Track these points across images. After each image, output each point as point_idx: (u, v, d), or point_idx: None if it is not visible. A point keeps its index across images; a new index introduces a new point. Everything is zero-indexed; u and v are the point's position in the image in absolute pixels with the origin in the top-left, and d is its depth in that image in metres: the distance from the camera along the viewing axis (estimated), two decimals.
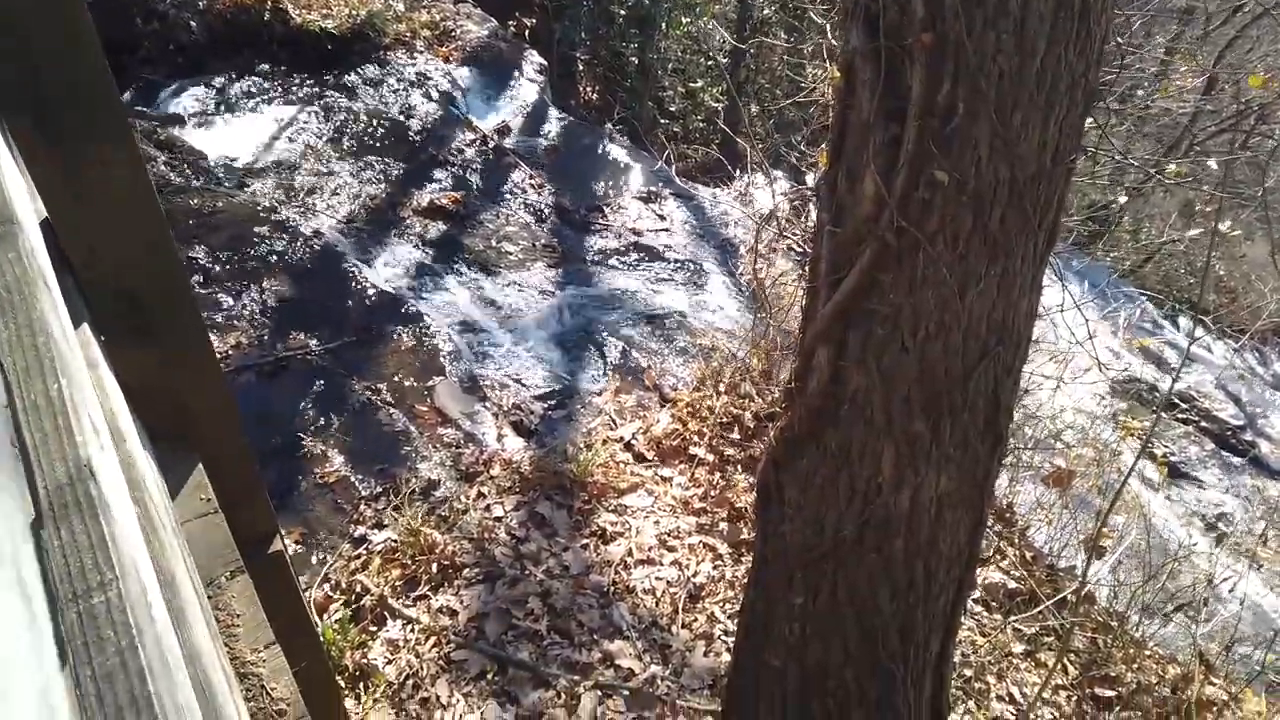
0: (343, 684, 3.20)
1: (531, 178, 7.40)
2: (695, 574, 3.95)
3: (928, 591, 2.11)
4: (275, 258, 5.34)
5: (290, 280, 5.22)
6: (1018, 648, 3.82)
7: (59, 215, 1.45)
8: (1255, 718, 3.43)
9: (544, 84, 8.83)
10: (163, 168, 5.74)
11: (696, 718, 3.29)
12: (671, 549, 4.08)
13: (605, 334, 5.66)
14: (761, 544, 2.34)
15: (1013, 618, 3.88)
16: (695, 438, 4.76)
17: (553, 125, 8.42)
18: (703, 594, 3.87)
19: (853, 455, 1.97)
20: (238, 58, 7.20)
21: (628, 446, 4.71)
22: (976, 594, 4.08)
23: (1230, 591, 4.43)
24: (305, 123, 6.83)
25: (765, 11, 11.16)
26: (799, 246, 6.00)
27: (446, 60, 8.20)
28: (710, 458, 4.67)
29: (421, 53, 8.15)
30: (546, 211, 7.09)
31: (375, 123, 7.11)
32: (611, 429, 4.83)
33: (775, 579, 2.27)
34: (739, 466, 4.66)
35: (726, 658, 3.45)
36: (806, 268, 2.44)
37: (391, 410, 4.58)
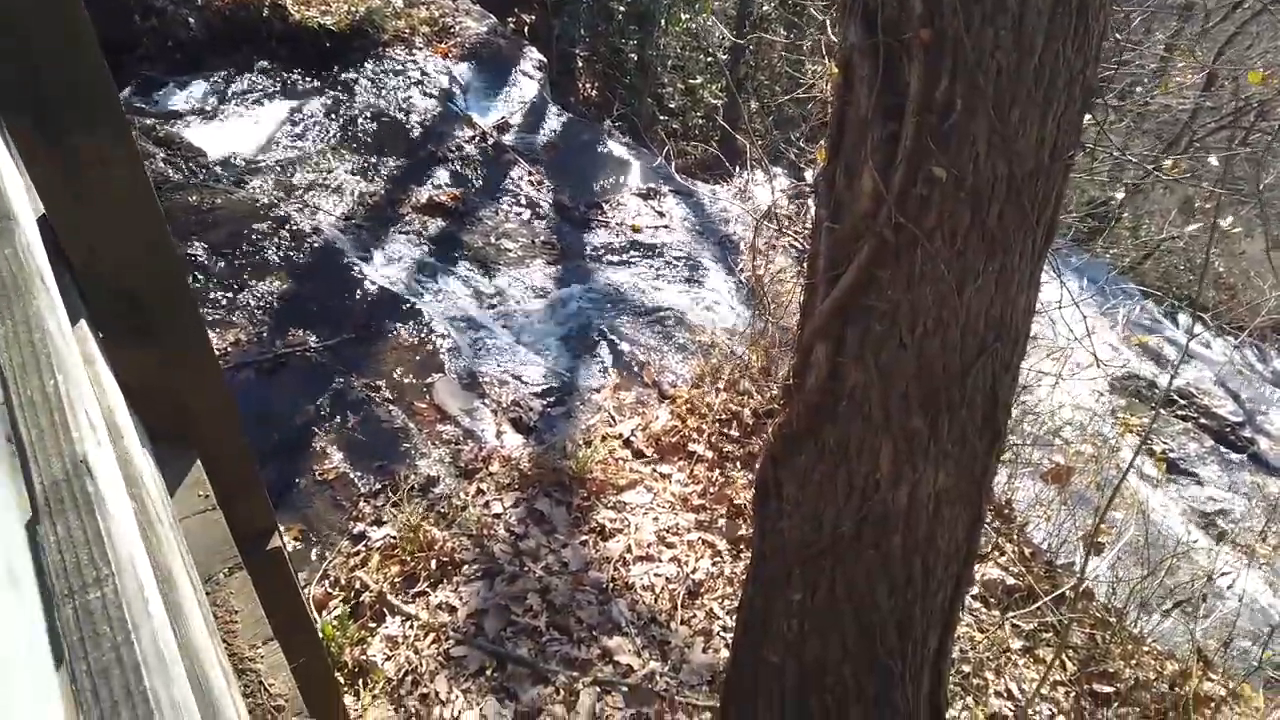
0: (342, 680, 3.21)
1: (531, 174, 7.40)
2: (694, 570, 3.95)
3: (926, 588, 2.11)
4: (274, 255, 5.33)
5: (289, 277, 5.22)
6: (1016, 644, 3.83)
7: (59, 214, 1.45)
8: (1253, 713, 3.44)
9: (543, 80, 8.81)
10: (162, 164, 5.73)
11: (695, 714, 3.29)
12: (670, 545, 4.08)
13: (604, 331, 5.66)
14: (760, 540, 2.35)
15: (1011, 614, 3.89)
16: (694, 434, 4.76)
17: (552, 122, 8.40)
18: (702, 590, 3.88)
19: (851, 451, 1.97)
20: (236, 54, 7.19)
21: (627, 443, 4.71)
22: (975, 590, 4.08)
23: (1229, 588, 4.44)
24: (304, 120, 6.82)
25: (765, 8, 11.15)
26: (798, 243, 6.00)
27: (445, 57, 8.19)
28: (709, 454, 4.67)
29: (420, 49, 8.14)
30: (546, 208, 7.09)
31: (374, 119, 7.10)
32: (610, 426, 4.83)
33: (774, 575, 2.27)
34: (738, 463, 4.66)
35: (725, 654, 3.45)
36: (805, 264, 2.44)
37: (391, 407, 4.58)
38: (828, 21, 4.95)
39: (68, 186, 1.43)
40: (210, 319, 4.71)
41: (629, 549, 4.01)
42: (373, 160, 6.70)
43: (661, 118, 11.45)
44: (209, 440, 1.83)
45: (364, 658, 3.31)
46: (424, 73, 7.84)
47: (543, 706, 3.22)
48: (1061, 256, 9.41)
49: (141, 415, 1.66)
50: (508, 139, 7.73)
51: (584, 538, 4.05)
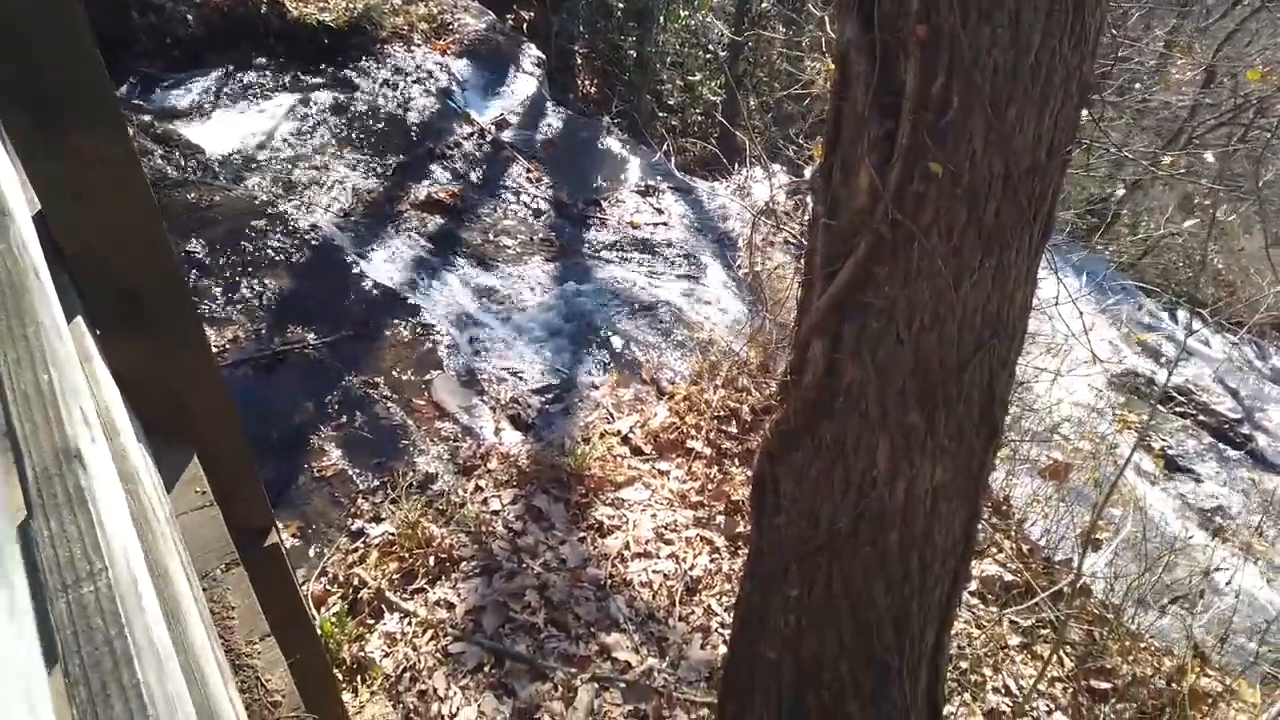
0: (340, 677, 3.21)
1: (529, 171, 7.40)
2: (692, 567, 3.96)
3: (923, 583, 2.11)
4: (272, 252, 5.33)
5: (287, 274, 5.22)
6: (1014, 640, 3.83)
7: (57, 212, 1.46)
8: (1250, 709, 3.45)
9: (542, 77, 8.81)
10: (159, 161, 5.73)
11: (693, 710, 3.30)
12: (669, 542, 4.09)
13: (603, 328, 5.66)
14: (757, 537, 2.35)
15: (1008, 610, 3.89)
16: (692, 431, 4.77)
17: (551, 119, 8.40)
18: (700, 587, 3.88)
19: (848, 448, 1.97)
20: (234, 51, 7.18)
21: (625, 440, 4.72)
22: (973, 587, 4.09)
23: (1226, 584, 4.44)
24: (302, 116, 6.82)
25: (764, 4, 11.13)
26: (797, 240, 6.00)
27: (444, 53, 8.19)
28: (707, 451, 4.68)
29: (419, 46, 8.14)
30: (544, 205, 7.09)
31: (372, 116, 7.10)
32: (609, 422, 4.84)
33: (771, 572, 2.27)
34: (736, 460, 4.67)
35: (723, 650, 3.45)
36: (802, 261, 2.44)
37: (389, 404, 4.58)
38: (826, 18, 4.95)
39: (68, 186, 1.43)
40: (209, 316, 4.71)
41: (627, 546, 4.01)
42: (371, 157, 6.70)
43: (660, 114, 11.44)
44: (206, 437, 1.83)
45: (362, 654, 3.32)
46: (422, 70, 7.84)
47: (541, 703, 3.23)
48: (1060, 253, 9.42)
49: (139, 412, 1.66)
50: (506, 136, 7.73)
51: (582, 534, 4.05)
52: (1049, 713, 3.51)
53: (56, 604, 0.69)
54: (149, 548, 1.19)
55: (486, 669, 3.34)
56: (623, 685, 3.37)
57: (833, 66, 1.89)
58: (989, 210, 1.70)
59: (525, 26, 9.43)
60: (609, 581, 3.82)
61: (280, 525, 3.72)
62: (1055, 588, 3.65)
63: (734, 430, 4.87)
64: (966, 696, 3.49)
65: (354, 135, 6.85)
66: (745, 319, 5.91)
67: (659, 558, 3.99)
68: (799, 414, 2.04)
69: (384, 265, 5.69)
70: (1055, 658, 3.68)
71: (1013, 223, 1.73)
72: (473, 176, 7.04)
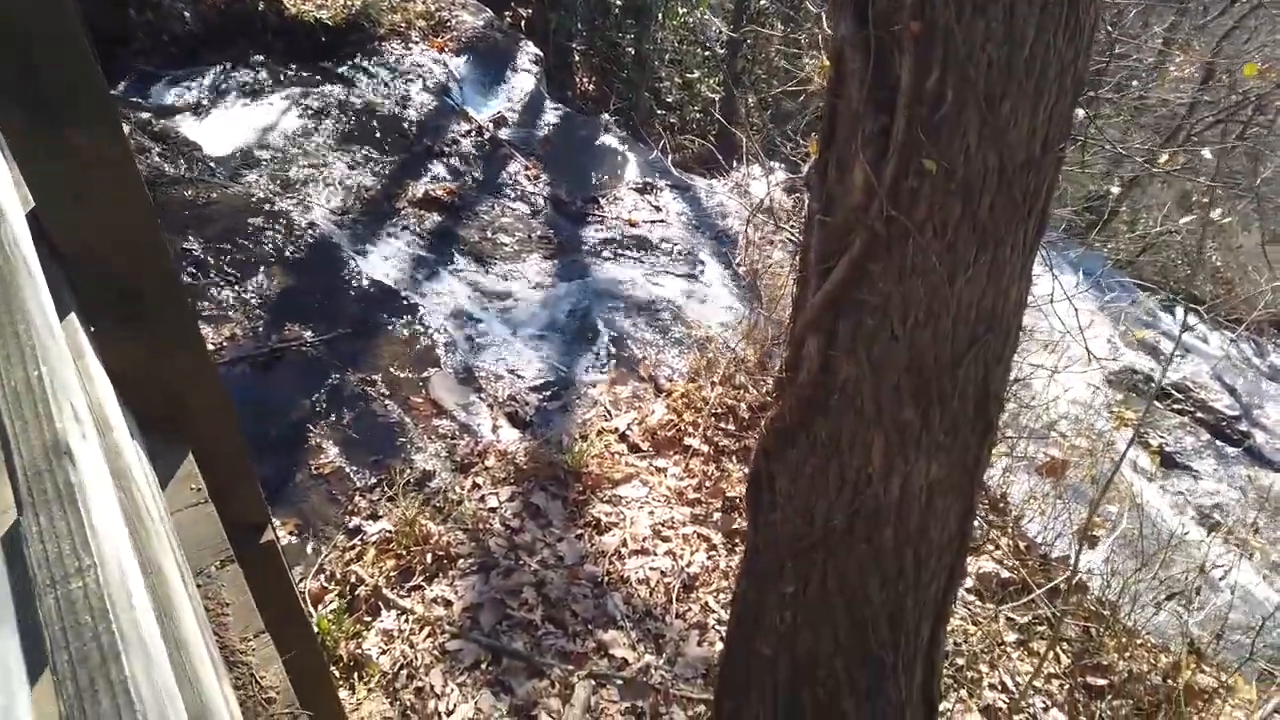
0: (337, 674, 3.21)
1: (527, 169, 7.39)
2: (689, 564, 3.96)
3: (918, 579, 2.11)
4: (270, 249, 5.33)
5: (285, 272, 5.21)
6: (1010, 637, 3.84)
7: (55, 211, 1.46)
8: (1246, 705, 3.45)
9: (540, 75, 8.80)
10: (157, 159, 5.72)
11: (690, 707, 3.30)
12: (666, 539, 4.09)
13: (601, 325, 5.66)
14: (753, 533, 2.35)
15: (1004, 606, 3.90)
16: (690, 429, 4.77)
17: (549, 116, 8.40)
18: (697, 584, 3.88)
19: (843, 444, 1.97)
20: (232, 48, 7.17)
21: (623, 437, 4.72)
22: (970, 583, 4.09)
23: (1221, 580, 4.45)
24: (300, 114, 6.81)
25: (762, 1, 11.12)
26: (795, 237, 6.00)
27: (442, 51, 8.18)
28: (705, 449, 4.68)
29: (416, 43, 8.13)
30: (542, 202, 7.09)
31: (370, 114, 7.09)
32: (606, 420, 4.84)
33: (766, 568, 2.28)
34: (733, 457, 4.67)
35: (720, 647, 3.46)
36: (798, 258, 2.45)
37: (386, 401, 4.58)
38: (823, 15, 4.95)
39: (68, 186, 1.43)
40: (206, 313, 4.71)
41: (624, 543, 4.02)
42: (369, 155, 6.69)
43: (659, 112, 11.43)
44: (202, 433, 1.83)
45: (359, 651, 3.32)
46: (420, 67, 7.83)
47: (538, 700, 3.23)
48: (1058, 249, 9.42)
49: (136, 409, 1.66)
50: (504, 133, 7.73)
51: (579, 532, 4.05)
52: (1045, 709, 3.52)
53: (45, 600, 0.69)
54: (141, 544, 1.19)
55: (484, 666, 3.34)
56: (620, 682, 3.37)
57: (828, 63, 1.89)
58: (983, 205, 1.70)
59: (523, 24, 9.42)
60: (606, 579, 3.82)
61: (278, 523, 3.73)
62: (1051, 584, 3.65)
63: (731, 427, 4.87)
64: (963, 693, 3.49)
65: (352, 133, 6.84)
66: (743, 316, 5.91)
67: (656, 555, 4.00)
68: (794, 411, 2.04)
69: (382, 263, 5.69)
70: (1051, 654, 3.68)
71: (1007, 218, 1.73)
72: (471, 174, 7.04)
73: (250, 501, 2.05)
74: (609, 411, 4.91)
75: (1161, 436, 7.88)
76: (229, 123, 6.49)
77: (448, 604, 3.59)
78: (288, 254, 5.36)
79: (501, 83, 8.39)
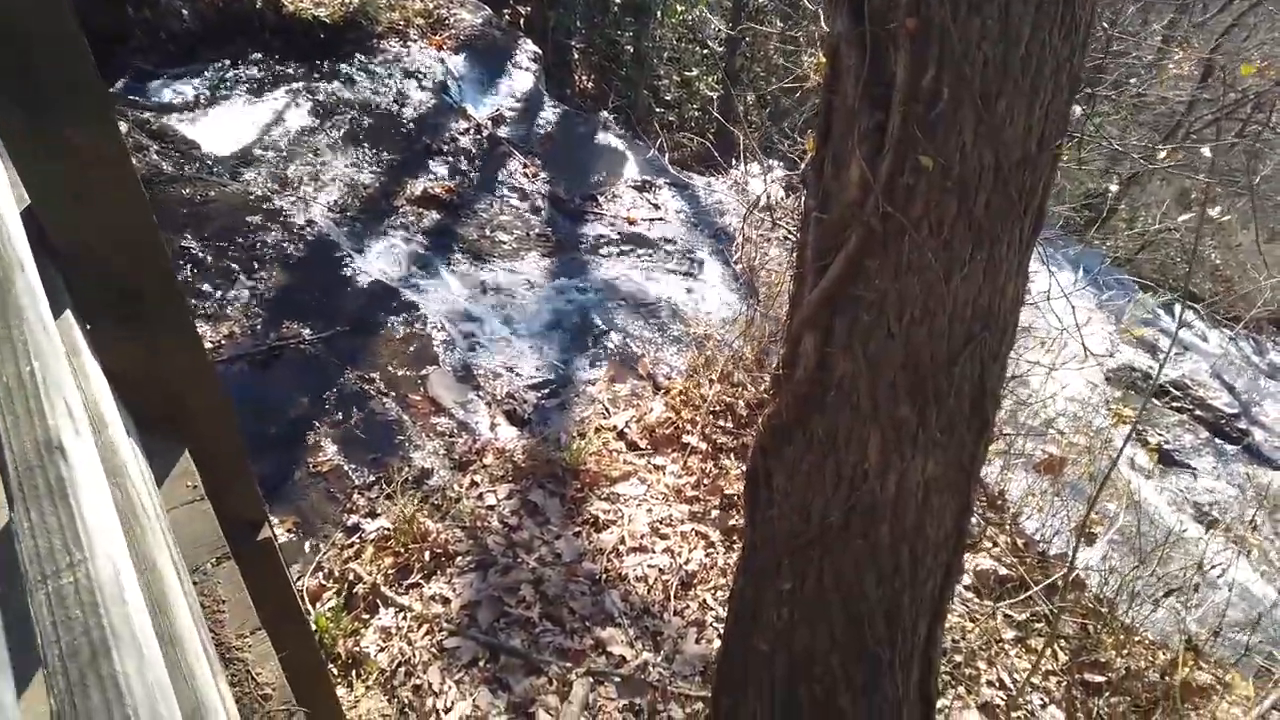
0: (335, 672, 3.21)
1: (526, 166, 7.39)
2: (687, 561, 3.96)
3: (914, 576, 2.11)
4: (268, 247, 5.33)
5: (283, 270, 5.21)
6: (1008, 634, 3.84)
7: (58, 213, 1.46)
8: (1243, 702, 3.46)
9: (539, 73, 8.79)
10: (155, 157, 5.71)
11: (688, 704, 3.30)
12: (664, 537, 4.09)
13: (599, 323, 5.66)
14: (750, 530, 2.35)
15: (1002, 603, 3.90)
16: (688, 426, 4.77)
17: (548, 114, 8.39)
18: (695, 581, 3.88)
19: (839, 441, 1.98)
20: (230, 46, 7.16)
21: (621, 435, 4.72)
22: (967, 580, 4.09)
23: (1219, 577, 4.45)
24: (298, 112, 6.80)
25: None
26: (792, 235, 6.00)
27: (440, 49, 8.17)
28: (703, 446, 4.68)
29: (415, 41, 8.12)
30: (541, 200, 7.08)
31: (368, 111, 7.08)
32: (605, 417, 4.84)
33: (764, 565, 2.28)
34: (732, 455, 4.67)
35: (718, 644, 3.46)
36: (795, 254, 2.45)
37: (385, 399, 4.58)
38: (820, 12, 4.94)
39: (68, 185, 1.44)
40: (204, 312, 4.71)
41: (622, 540, 4.02)
42: (367, 152, 6.69)
43: (658, 110, 11.42)
44: (200, 432, 1.83)
45: (357, 649, 3.32)
46: (418, 65, 7.82)
47: (536, 697, 3.23)
48: (1057, 247, 9.42)
49: (134, 408, 1.66)
50: (503, 131, 7.72)
51: (577, 529, 4.06)
52: (1043, 706, 3.52)
53: (36, 595, 0.69)
54: (136, 540, 1.19)
55: (481, 663, 3.34)
56: (618, 679, 3.37)
57: (822, 60, 1.89)
58: (979, 202, 1.70)
59: (522, 22, 9.40)
60: (604, 576, 3.82)
61: (276, 520, 3.73)
62: (1049, 581, 3.66)
63: (729, 425, 4.88)
64: (961, 690, 3.49)
65: (350, 131, 6.84)
66: (742, 314, 5.91)
67: (654, 552, 4.00)
68: (791, 408, 2.04)
69: (380, 261, 5.69)
70: (1049, 651, 3.69)
71: (1003, 215, 1.74)
72: (469, 172, 7.03)
73: (247, 499, 2.05)
74: (607, 409, 4.91)
75: (1160, 434, 7.89)
76: (227, 121, 6.48)
77: (446, 601, 3.59)
78: (286, 252, 5.36)
79: (500, 81, 8.38)
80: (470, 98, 7.93)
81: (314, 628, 3.24)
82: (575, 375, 5.18)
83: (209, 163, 5.94)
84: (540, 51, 9.11)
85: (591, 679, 3.34)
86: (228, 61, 7.04)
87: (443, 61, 8.02)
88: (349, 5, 7.80)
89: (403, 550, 3.75)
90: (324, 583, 3.62)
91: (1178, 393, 8.54)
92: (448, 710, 3.15)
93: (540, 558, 3.85)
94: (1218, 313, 9.50)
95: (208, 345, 4.47)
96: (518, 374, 5.07)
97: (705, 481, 4.46)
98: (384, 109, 7.19)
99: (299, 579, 3.57)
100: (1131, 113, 10.21)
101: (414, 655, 3.33)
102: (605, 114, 9.25)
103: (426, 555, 3.74)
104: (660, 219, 7.36)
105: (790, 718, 2.33)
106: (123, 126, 5.65)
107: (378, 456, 4.25)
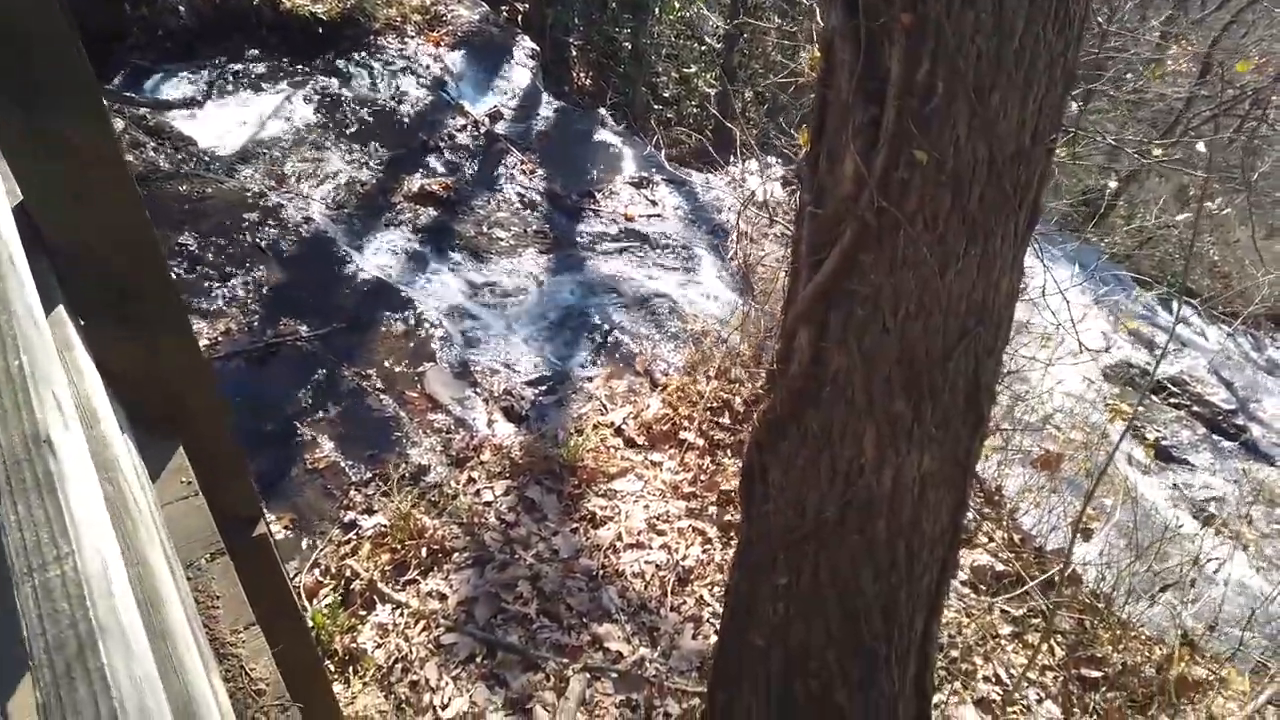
0: (332, 668, 3.22)
1: (523, 163, 7.38)
2: (684, 557, 3.96)
3: (910, 572, 2.11)
4: (265, 244, 5.32)
5: (280, 266, 5.21)
6: (1005, 629, 3.84)
7: (58, 213, 1.46)
8: (1239, 696, 3.46)
9: (536, 69, 8.79)
10: (152, 154, 5.71)
11: (685, 699, 3.30)
12: (661, 533, 4.09)
13: (597, 319, 5.66)
14: (746, 525, 2.35)
15: (999, 599, 3.90)
16: (685, 422, 4.77)
17: (545, 111, 8.39)
18: (691, 577, 3.89)
19: (834, 436, 1.97)
20: (227, 43, 7.15)
21: (618, 431, 4.72)
22: (964, 576, 4.10)
23: (1215, 572, 4.46)
24: (295, 108, 6.79)
25: None
26: (789, 230, 5.99)
27: (437, 45, 8.16)
28: (700, 442, 4.68)
29: (412, 38, 8.11)
30: (538, 197, 7.08)
31: (365, 108, 7.08)
32: (602, 414, 4.84)
33: (759, 560, 2.28)
34: (729, 451, 4.67)
35: (715, 640, 3.46)
36: (790, 249, 2.44)
37: (382, 396, 4.58)
38: (816, 7, 4.93)
39: (68, 185, 1.44)
40: (201, 308, 4.70)
41: (619, 536, 4.02)
42: (364, 149, 6.68)
43: (655, 107, 11.41)
44: (193, 426, 1.83)
45: (354, 645, 3.32)
46: (416, 61, 7.82)
47: (533, 693, 3.24)
48: (1055, 242, 9.42)
49: (132, 405, 1.66)
50: (500, 128, 7.71)
51: (575, 525, 4.06)
52: (1039, 701, 3.53)
53: (23, 588, 0.69)
54: (128, 535, 1.19)
55: (478, 659, 3.34)
56: (615, 675, 3.38)
57: (817, 54, 1.89)
58: (973, 197, 1.70)
59: (520, 18, 9.39)
60: (601, 572, 3.82)
61: (273, 517, 3.74)
62: (1045, 576, 3.66)
63: (727, 421, 4.88)
64: (957, 685, 3.50)
65: (347, 127, 6.83)
66: (739, 309, 5.91)
67: (651, 548, 4.00)
68: (786, 403, 2.04)
69: (377, 257, 5.69)
70: (1046, 646, 3.69)
71: (997, 209, 1.73)
72: (466, 169, 7.03)
73: (242, 494, 2.05)
74: (605, 406, 4.91)
75: (1158, 430, 7.89)
76: (224, 117, 6.47)
77: (443, 598, 3.59)
78: (283, 249, 5.35)
79: (498, 77, 8.37)
80: (468, 94, 7.93)
81: (311, 624, 3.25)
82: (573, 372, 5.18)
83: (206, 159, 5.94)
84: (538, 48, 9.10)
85: (588, 675, 3.34)
86: (225, 58, 7.04)
87: (440, 58, 8.02)
88: (346, 2, 7.79)
89: (400, 547, 3.75)
90: (321, 579, 3.62)
91: (1175, 389, 8.54)
92: (445, 706, 3.15)
93: (537, 554, 3.85)
94: (1215, 309, 9.51)
95: (205, 342, 4.47)
96: (515, 370, 5.07)
97: (702, 478, 4.46)
98: (381, 106, 7.19)
99: (296, 575, 3.58)
100: (1130, 109, 10.21)
101: (411, 651, 3.33)
102: (603, 111, 9.24)
103: (424, 551, 3.74)
104: (658, 215, 7.36)
105: (786, 713, 2.33)
106: (119, 123, 5.64)
107: (375, 453, 4.25)
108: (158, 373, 1.73)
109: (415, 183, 6.55)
